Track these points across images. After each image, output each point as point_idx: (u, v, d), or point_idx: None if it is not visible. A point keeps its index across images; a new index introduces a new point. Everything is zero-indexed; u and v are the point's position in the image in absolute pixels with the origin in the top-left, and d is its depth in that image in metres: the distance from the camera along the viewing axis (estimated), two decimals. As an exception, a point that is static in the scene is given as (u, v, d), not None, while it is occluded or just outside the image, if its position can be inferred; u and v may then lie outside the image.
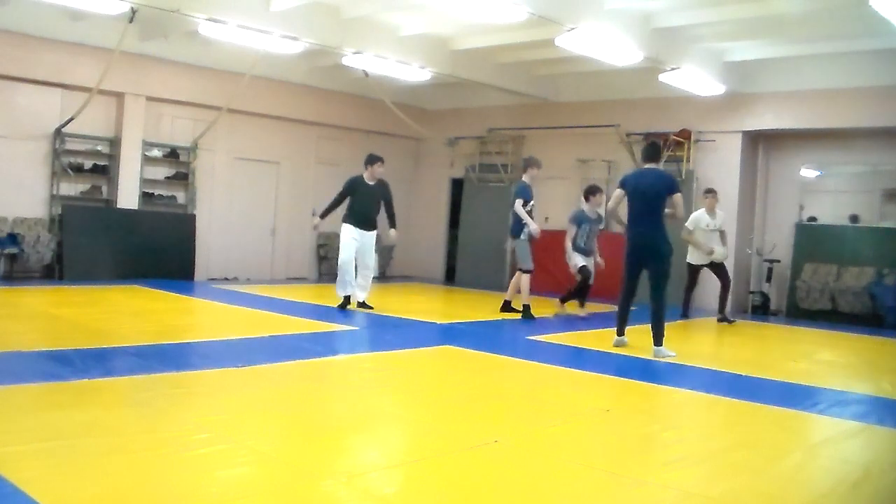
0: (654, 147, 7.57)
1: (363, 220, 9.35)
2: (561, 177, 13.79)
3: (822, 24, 9.51)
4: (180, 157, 12.45)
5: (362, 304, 9.49)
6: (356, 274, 9.46)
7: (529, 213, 9.51)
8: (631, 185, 7.22)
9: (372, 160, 9.40)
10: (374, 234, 9.48)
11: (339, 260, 9.43)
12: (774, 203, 12.70)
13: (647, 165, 7.32)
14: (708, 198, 10.27)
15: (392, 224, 9.63)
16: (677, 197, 7.08)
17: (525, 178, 9.66)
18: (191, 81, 12.15)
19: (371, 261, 9.52)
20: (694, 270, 10.41)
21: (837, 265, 11.55)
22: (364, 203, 9.35)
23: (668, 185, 7.10)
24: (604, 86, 12.92)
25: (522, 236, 9.56)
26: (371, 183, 9.38)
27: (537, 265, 10.50)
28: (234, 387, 5.04)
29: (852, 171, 12.42)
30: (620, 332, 7.42)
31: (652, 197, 7.04)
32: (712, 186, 10.58)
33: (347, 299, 9.37)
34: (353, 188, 9.40)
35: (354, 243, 9.27)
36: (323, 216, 9.43)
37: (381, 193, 9.45)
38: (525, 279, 9.63)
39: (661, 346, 7.02)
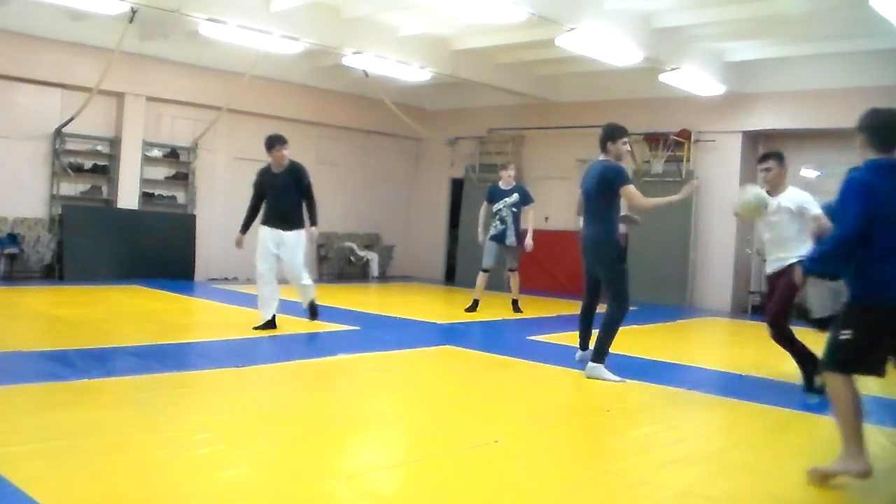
0: (604, 131, 6.13)
1: (277, 217, 7.41)
2: (561, 177, 13.80)
3: (822, 24, 9.51)
4: (180, 157, 12.45)
5: (312, 310, 7.91)
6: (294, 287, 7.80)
7: (496, 214, 9.78)
8: (581, 183, 6.30)
9: (271, 142, 7.37)
10: (296, 233, 7.45)
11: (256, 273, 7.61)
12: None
13: (600, 157, 6.16)
14: (767, 169, 5.90)
15: (312, 219, 7.61)
16: (626, 189, 5.88)
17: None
18: (191, 81, 12.15)
19: (298, 268, 7.52)
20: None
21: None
22: (274, 197, 7.45)
23: (608, 180, 5.90)
24: (604, 86, 12.92)
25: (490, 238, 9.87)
26: (278, 171, 7.44)
27: (537, 266, 10.52)
28: (234, 387, 5.04)
29: (852, 172, 12.41)
30: (582, 347, 6.42)
31: (592, 194, 6.04)
32: (776, 151, 6.22)
33: (273, 322, 7.43)
34: (261, 182, 7.61)
35: (268, 250, 7.40)
36: (243, 230, 7.62)
37: (293, 181, 7.44)
38: (481, 277, 9.89)
39: (599, 363, 5.88)
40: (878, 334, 3.62)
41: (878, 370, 3.71)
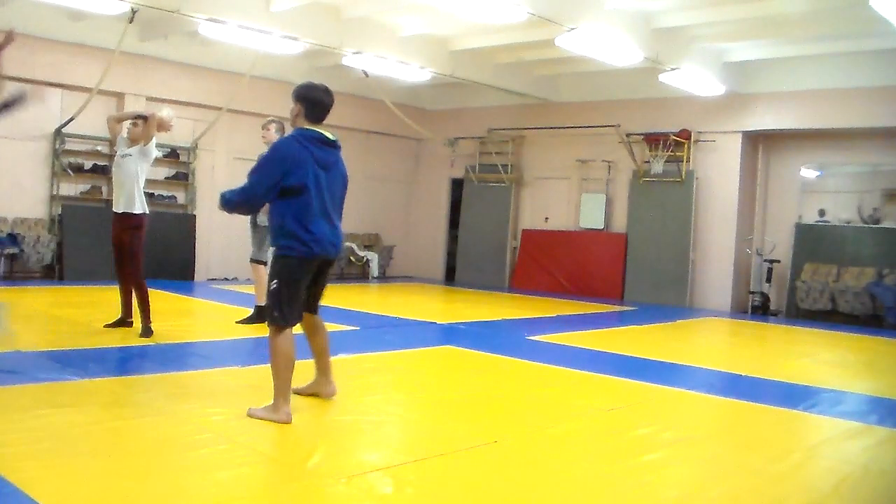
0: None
1: None
2: (561, 177, 13.82)
3: (822, 24, 9.52)
4: (180, 157, 12.46)
5: None
6: None
7: None
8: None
9: None
10: None
11: None
12: (774, 203, 12.70)
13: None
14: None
15: None
16: None
17: None
18: (191, 81, 12.15)
19: None
20: None
21: (837, 265, 11.55)
22: None
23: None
24: (604, 86, 12.93)
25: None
26: None
27: (537, 266, 10.39)
28: (234, 387, 5.04)
29: (852, 171, 12.43)
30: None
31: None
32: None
33: None
34: None
35: None
36: None
37: None
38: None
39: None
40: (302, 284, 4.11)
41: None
